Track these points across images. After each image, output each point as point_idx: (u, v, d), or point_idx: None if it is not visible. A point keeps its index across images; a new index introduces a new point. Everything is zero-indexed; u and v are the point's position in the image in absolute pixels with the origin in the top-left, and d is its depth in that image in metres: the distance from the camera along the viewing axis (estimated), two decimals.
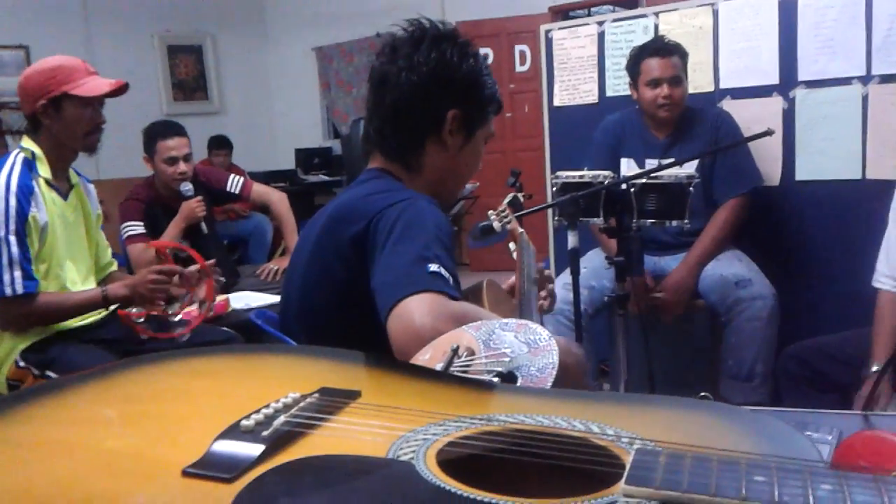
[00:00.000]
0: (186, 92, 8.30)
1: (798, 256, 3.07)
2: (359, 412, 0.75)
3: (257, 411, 0.72)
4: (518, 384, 0.84)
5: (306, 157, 8.06)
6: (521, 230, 1.84)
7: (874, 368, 2.06)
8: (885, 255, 2.24)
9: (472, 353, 0.87)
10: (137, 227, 3.33)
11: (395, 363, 0.88)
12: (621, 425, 0.69)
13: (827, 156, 3.02)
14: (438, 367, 0.85)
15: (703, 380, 2.95)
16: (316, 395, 0.77)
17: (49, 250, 2.21)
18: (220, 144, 6.66)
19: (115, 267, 2.61)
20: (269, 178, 7.73)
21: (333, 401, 0.76)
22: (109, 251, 2.59)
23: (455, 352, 0.86)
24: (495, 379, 0.84)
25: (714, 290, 2.84)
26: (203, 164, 6.60)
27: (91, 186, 2.51)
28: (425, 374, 0.86)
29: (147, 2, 7.85)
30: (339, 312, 1.36)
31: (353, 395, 0.78)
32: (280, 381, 0.87)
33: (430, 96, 1.42)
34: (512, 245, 1.84)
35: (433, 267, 1.15)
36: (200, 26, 8.29)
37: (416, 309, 1.08)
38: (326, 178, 7.83)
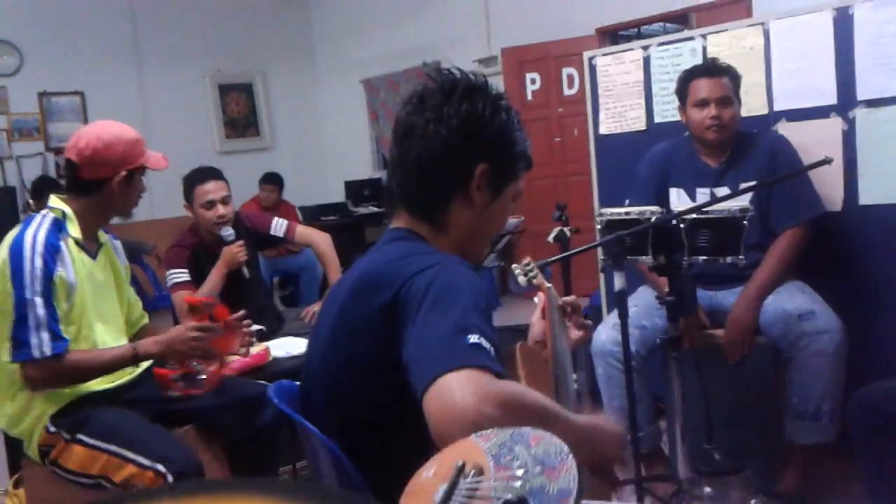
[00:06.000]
0: (238, 129, 8.41)
1: (865, 286, 2.89)
2: None
3: None
4: None
5: (356, 189, 8.07)
6: (548, 285, 1.73)
7: None
8: None
9: (480, 471, 0.77)
10: (182, 275, 3.31)
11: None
12: None
13: (892, 178, 2.84)
14: (441, 489, 0.75)
15: (767, 420, 2.78)
16: None
17: (79, 312, 2.17)
18: (267, 179, 6.70)
19: (146, 320, 2.57)
20: (319, 211, 7.76)
21: None
22: (140, 305, 2.56)
23: (461, 470, 0.76)
24: None
25: (776, 324, 2.68)
26: (252, 201, 6.66)
27: (117, 242, 2.48)
28: None
29: (197, 43, 8.00)
30: (367, 386, 1.27)
31: None
32: None
33: (458, 150, 1.35)
34: (536, 299, 1.74)
35: (473, 338, 1.06)
36: (250, 65, 8.41)
37: (457, 387, 0.99)
38: (376, 209, 7.80)
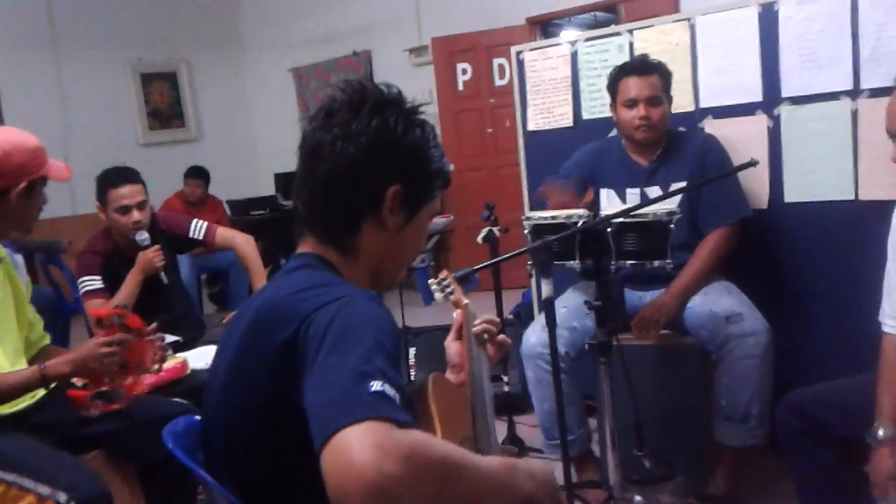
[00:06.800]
0: (162, 120, 8.14)
1: (792, 284, 2.89)
2: None
3: None
4: None
5: (286, 182, 7.87)
6: (465, 301, 1.66)
7: (881, 433, 1.86)
8: (888, 294, 2.04)
9: None
10: (95, 282, 3.15)
11: None
12: None
13: (817, 175, 2.85)
14: None
15: (696, 421, 2.76)
16: None
17: None
18: (192, 173, 6.48)
19: (47, 341, 2.41)
20: (248, 205, 7.58)
21: None
22: (41, 325, 2.40)
23: None
24: None
25: (704, 326, 2.65)
26: (177, 196, 6.45)
27: (18, 257, 2.33)
28: None
29: (118, 30, 7.69)
30: (267, 432, 1.16)
31: None
32: None
33: (367, 170, 1.24)
34: (455, 313, 1.66)
35: (375, 385, 0.96)
36: (173, 52, 8.13)
37: (355, 442, 0.89)
38: None
